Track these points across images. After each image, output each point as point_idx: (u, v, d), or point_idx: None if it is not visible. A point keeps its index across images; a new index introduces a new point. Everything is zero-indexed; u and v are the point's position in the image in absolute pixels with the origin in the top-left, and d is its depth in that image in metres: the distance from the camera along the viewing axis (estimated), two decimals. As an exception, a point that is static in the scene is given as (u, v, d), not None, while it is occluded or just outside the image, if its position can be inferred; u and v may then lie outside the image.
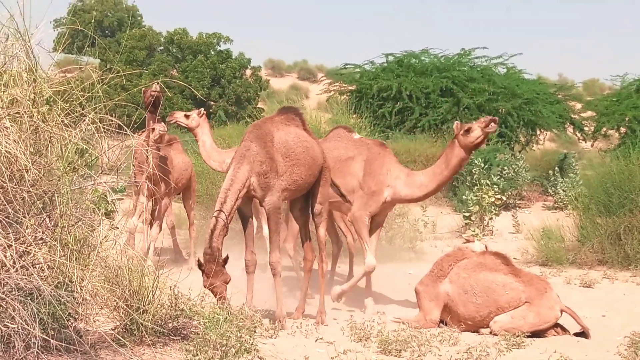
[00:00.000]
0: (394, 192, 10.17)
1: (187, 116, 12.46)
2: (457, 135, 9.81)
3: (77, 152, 5.33)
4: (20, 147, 4.96)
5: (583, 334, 8.56)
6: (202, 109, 12.97)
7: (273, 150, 8.56)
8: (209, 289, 7.88)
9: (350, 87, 27.17)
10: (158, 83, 12.49)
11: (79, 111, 5.38)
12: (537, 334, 8.48)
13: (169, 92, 24.76)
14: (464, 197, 18.35)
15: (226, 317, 6.01)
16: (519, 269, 9.14)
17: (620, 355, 7.29)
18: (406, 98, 25.35)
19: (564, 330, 8.69)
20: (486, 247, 9.36)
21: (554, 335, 8.60)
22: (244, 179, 8.33)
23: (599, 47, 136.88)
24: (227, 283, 8.13)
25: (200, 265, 8.05)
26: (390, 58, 27.65)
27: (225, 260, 8.17)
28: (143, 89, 12.66)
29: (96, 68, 7.44)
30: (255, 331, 6.46)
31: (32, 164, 5.03)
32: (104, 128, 5.46)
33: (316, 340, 7.61)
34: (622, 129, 26.48)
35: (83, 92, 5.47)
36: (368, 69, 27.59)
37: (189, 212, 13.72)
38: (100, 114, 5.47)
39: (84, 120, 5.37)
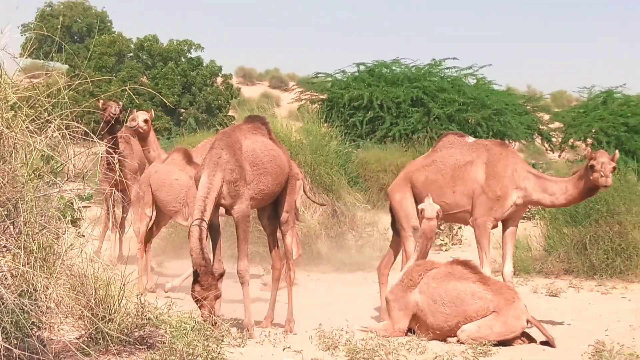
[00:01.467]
0: (524, 195, 9.86)
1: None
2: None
3: (43, 159, 5.28)
4: (-17, 153, 4.91)
5: (549, 342, 8.61)
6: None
7: (242, 159, 8.55)
8: (199, 302, 7.83)
9: (321, 96, 27.21)
10: (119, 104, 12.54)
11: (45, 117, 5.33)
12: (503, 342, 8.51)
13: (138, 99, 24.63)
14: (433, 206, 18.35)
15: (193, 326, 5.98)
16: (488, 277, 9.17)
17: (585, 363, 7.34)
18: (377, 107, 25.43)
19: (530, 339, 8.73)
20: (438, 212, 9.31)
21: (520, 343, 8.63)
22: (218, 186, 8.31)
23: (567, 60, 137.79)
24: (218, 298, 8.08)
25: (196, 276, 7.95)
26: (362, 67, 27.75)
27: (222, 274, 8.16)
28: (102, 102, 12.66)
29: (64, 74, 7.39)
30: (222, 340, 6.43)
31: (-4, 171, 4.98)
32: (70, 135, 5.42)
33: (284, 349, 7.59)
34: (589, 140, 26.75)
35: (49, 98, 5.42)
36: (339, 78, 27.66)
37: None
38: (66, 120, 5.42)
39: (50, 126, 5.32)
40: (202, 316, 7.67)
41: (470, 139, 10.47)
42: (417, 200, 10.40)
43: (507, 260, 10.08)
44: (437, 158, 10.32)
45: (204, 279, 7.90)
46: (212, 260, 8.60)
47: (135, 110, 12.87)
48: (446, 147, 10.40)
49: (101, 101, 12.81)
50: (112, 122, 12.61)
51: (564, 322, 10.01)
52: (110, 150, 12.39)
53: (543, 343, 8.63)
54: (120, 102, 12.97)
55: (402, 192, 10.66)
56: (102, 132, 12.51)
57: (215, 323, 7.43)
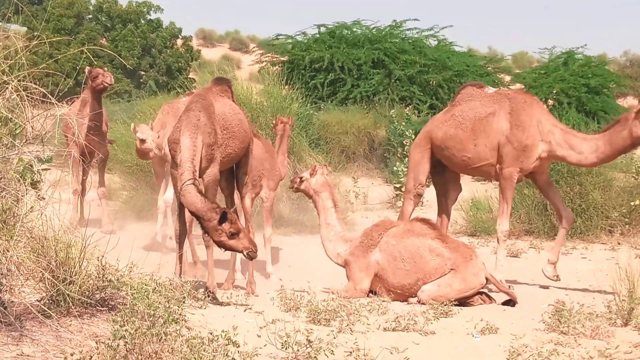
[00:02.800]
0: (549, 149, 9.64)
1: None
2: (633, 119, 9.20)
3: (1, 121, 5.22)
4: (-60, 115, 4.84)
5: (510, 302, 8.72)
6: None
7: (215, 122, 8.50)
8: (231, 239, 7.85)
9: (282, 58, 27.04)
10: (110, 75, 12.46)
11: (2, 79, 5.26)
12: (463, 302, 8.62)
13: (97, 62, 24.40)
14: (394, 168, 18.48)
15: (154, 288, 5.97)
16: (446, 235, 9.28)
17: (544, 323, 7.43)
18: (338, 69, 25.33)
19: (491, 299, 8.85)
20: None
21: (481, 303, 8.75)
22: (200, 148, 8.24)
23: (528, 21, 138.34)
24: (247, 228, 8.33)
25: (213, 222, 7.86)
26: (323, 29, 27.57)
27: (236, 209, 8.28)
28: (90, 69, 12.53)
29: (22, 36, 7.28)
30: (184, 302, 6.44)
31: (-47, 133, 4.92)
32: (28, 97, 5.35)
33: (245, 310, 7.61)
34: (550, 101, 26.84)
35: (7, 59, 5.35)
36: (300, 40, 27.48)
37: None
38: (24, 82, 5.36)
39: (7, 88, 5.25)
40: (244, 250, 7.82)
41: (490, 90, 10.27)
42: (438, 158, 10.40)
43: (507, 217, 9.93)
44: (456, 112, 10.11)
45: (222, 220, 7.82)
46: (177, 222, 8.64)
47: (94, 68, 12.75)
48: (465, 100, 10.21)
49: (87, 68, 12.68)
50: (102, 89, 12.57)
51: (524, 282, 10.15)
52: (97, 122, 12.46)
53: (504, 303, 8.75)
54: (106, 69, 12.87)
55: (421, 152, 10.57)
56: (91, 101, 12.48)
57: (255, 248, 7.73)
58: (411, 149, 10.81)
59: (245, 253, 7.83)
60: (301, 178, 9.47)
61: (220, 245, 7.87)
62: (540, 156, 9.70)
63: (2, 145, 5.29)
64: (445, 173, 10.63)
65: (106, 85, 12.56)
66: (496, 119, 9.76)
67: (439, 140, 10.25)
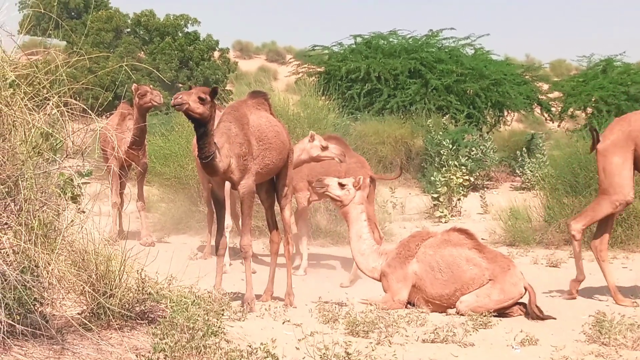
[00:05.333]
0: None
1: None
2: None
3: (42, 136, 5.29)
4: (-18, 132, 4.92)
5: (549, 315, 8.64)
6: None
7: (249, 133, 8.55)
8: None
9: (318, 69, 27.09)
10: (159, 95, 12.60)
11: (44, 95, 5.33)
12: (503, 312, 8.56)
13: (135, 75, 24.63)
14: (432, 178, 18.43)
15: (194, 301, 6.01)
16: (484, 245, 9.21)
17: (585, 334, 7.37)
18: (374, 80, 25.33)
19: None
20: None
21: (520, 314, 8.69)
22: (227, 153, 8.33)
23: (566, 28, 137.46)
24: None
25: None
26: (359, 39, 27.60)
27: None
28: (138, 86, 12.66)
29: (61, 51, 7.38)
30: (223, 314, 6.47)
31: (-4, 149, 4.99)
32: (68, 111, 5.42)
33: (284, 323, 7.63)
34: (589, 110, 26.64)
35: (47, 75, 5.42)
36: (336, 51, 27.52)
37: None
38: (64, 97, 5.43)
39: (49, 104, 5.32)
40: None
41: None
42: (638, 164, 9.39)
43: None
44: None
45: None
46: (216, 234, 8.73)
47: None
48: None
49: (135, 85, 12.81)
50: (148, 108, 12.70)
51: (564, 293, 10.06)
52: (139, 137, 12.60)
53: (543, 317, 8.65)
54: (152, 86, 13.00)
55: (622, 156, 9.41)
56: (136, 117, 12.63)
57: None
58: (605, 152, 9.51)
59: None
60: (343, 185, 9.36)
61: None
62: None
63: (43, 160, 5.36)
64: None
65: (154, 104, 12.70)
66: None
67: None
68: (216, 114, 8.22)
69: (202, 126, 7.99)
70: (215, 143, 8.15)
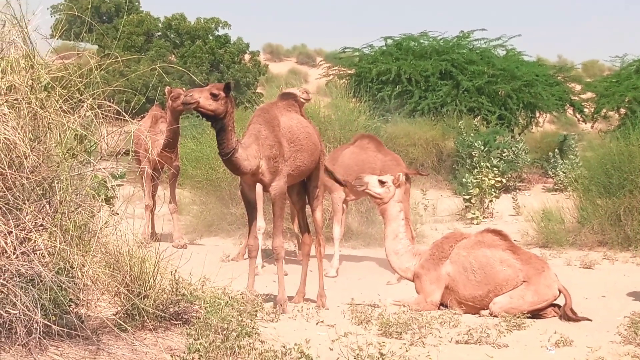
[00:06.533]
0: None
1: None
2: None
3: (76, 138, 5.33)
4: (19, 133, 4.95)
5: (584, 316, 8.57)
6: None
7: (280, 135, 8.56)
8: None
9: (349, 71, 27.07)
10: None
11: (77, 97, 5.37)
12: (536, 314, 8.51)
13: (167, 78, 24.75)
14: (464, 179, 18.37)
15: (227, 302, 6.03)
16: (518, 246, 9.18)
17: (620, 335, 7.32)
18: (405, 81, 25.27)
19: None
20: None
21: (554, 316, 8.63)
22: (255, 153, 8.35)
23: (598, 28, 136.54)
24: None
25: None
26: (389, 41, 27.54)
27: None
28: (171, 89, 12.72)
29: (94, 54, 7.43)
30: (256, 315, 6.49)
31: (31, 151, 5.02)
32: (102, 114, 5.46)
33: (317, 324, 7.63)
34: (622, 110, 26.40)
35: (81, 78, 5.46)
36: (367, 53, 27.48)
37: None
38: (98, 99, 5.46)
39: (83, 106, 5.36)
40: None
41: None
42: None
43: None
44: None
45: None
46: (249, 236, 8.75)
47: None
48: None
49: (168, 88, 12.88)
50: (182, 110, 12.75)
51: (598, 294, 9.98)
52: (172, 140, 12.65)
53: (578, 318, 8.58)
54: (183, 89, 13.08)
55: None
56: (169, 120, 12.68)
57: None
58: None
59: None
60: (382, 182, 9.33)
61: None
62: None
63: (78, 162, 5.39)
64: None
65: (189, 105, 12.70)
66: None
67: None
68: (234, 109, 8.23)
69: (217, 122, 8.01)
70: (238, 140, 8.16)
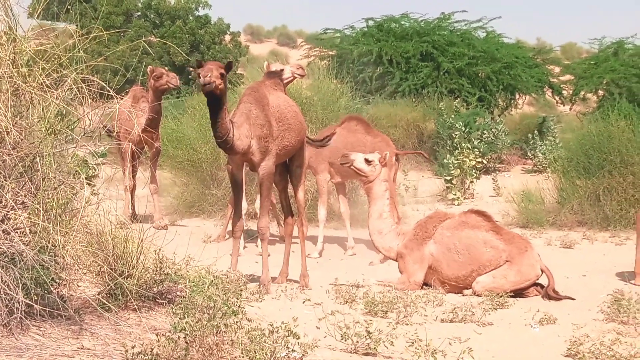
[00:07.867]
0: None
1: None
2: None
3: (59, 115, 5.25)
4: (0, 108, 4.87)
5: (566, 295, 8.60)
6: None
7: (270, 114, 8.50)
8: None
9: (330, 52, 26.98)
10: (175, 77, 12.58)
11: (61, 72, 5.28)
12: (519, 293, 8.53)
13: (146, 58, 24.59)
14: (444, 161, 18.38)
15: (212, 281, 5.97)
16: (501, 227, 9.20)
17: (603, 312, 7.35)
18: (386, 63, 25.21)
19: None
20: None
21: (536, 295, 8.66)
22: (246, 132, 8.29)
23: (577, 11, 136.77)
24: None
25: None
26: (370, 23, 27.43)
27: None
28: (153, 68, 12.64)
29: (74, 33, 7.31)
30: (241, 294, 6.44)
31: (13, 126, 4.94)
32: (86, 88, 5.37)
33: (303, 302, 7.61)
34: (600, 92, 26.51)
35: (64, 52, 5.37)
36: (348, 34, 27.38)
37: None
38: (82, 74, 5.38)
39: (66, 81, 5.27)
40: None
41: None
42: None
43: None
44: None
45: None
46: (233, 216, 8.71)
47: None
48: None
49: (150, 67, 12.79)
50: (165, 89, 12.67)
51: (578, 273, 10.02)
52: (154, 118, 12.56)
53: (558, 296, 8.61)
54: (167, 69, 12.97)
55: None
56: (153, 96, 12.59)
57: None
58: None
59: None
60: (369, 161, 9.26)
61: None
62: None
63: (61, 138, 5.31)
64: None
65: (171, 86, 12.64)
66: None
67: None
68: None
69: (219, 102, 7.93)
70: (231, 120, 8.10)
